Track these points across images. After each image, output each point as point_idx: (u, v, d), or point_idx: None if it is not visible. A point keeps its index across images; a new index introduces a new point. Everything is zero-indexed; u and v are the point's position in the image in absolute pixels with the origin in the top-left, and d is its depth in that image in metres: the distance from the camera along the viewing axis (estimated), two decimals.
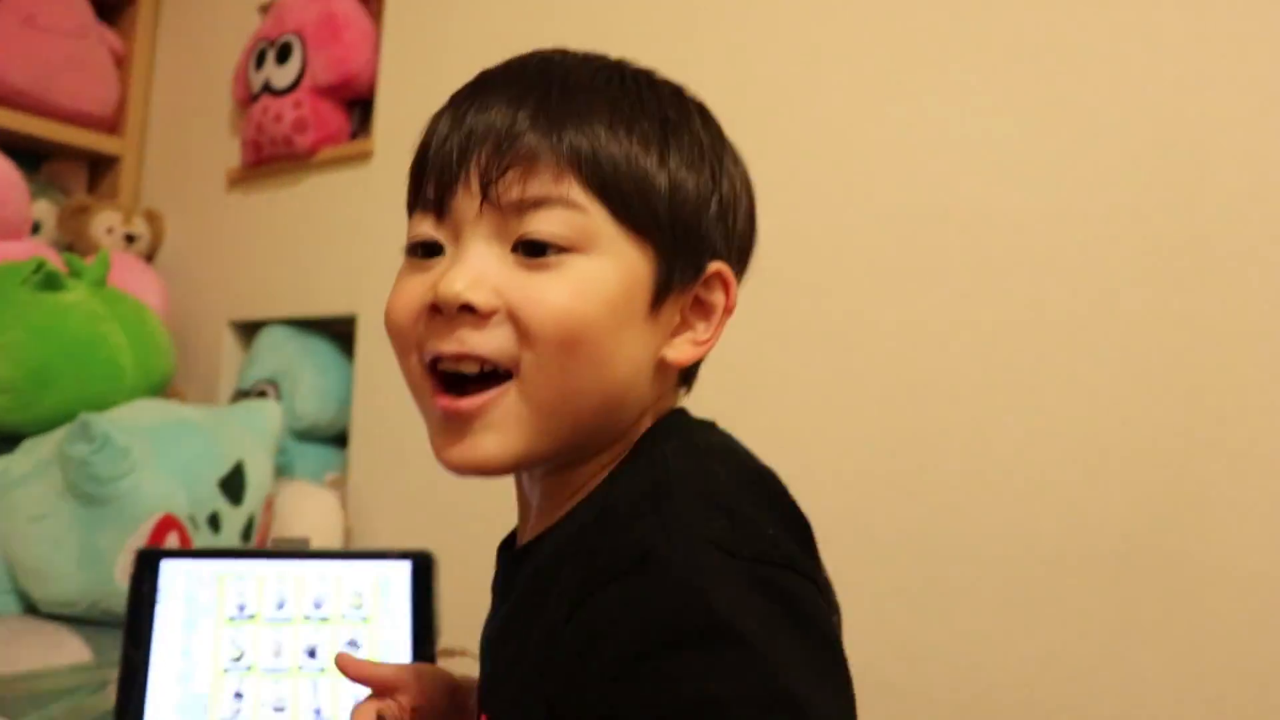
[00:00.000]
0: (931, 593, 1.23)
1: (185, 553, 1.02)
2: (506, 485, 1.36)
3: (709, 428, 0.64)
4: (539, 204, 0.57)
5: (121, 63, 2.47)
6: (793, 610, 0.49)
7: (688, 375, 0.67)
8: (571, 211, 0.57)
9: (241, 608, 0.99)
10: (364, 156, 1.94)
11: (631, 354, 0.59)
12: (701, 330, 0.63)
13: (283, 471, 1.85)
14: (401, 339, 0.62)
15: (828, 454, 1.30)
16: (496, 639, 0.65)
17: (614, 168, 0.58)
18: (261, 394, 1.97)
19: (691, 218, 0.61)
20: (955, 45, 1.28)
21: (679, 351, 0.62)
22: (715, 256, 0.63)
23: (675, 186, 0.60)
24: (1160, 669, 1.09)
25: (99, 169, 2.50)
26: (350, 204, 1.95)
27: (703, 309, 0.63)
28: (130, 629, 0.96)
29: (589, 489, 0.61)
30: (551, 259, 0.57)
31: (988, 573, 1.20)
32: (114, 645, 1.45)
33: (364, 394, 1.89)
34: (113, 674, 1.39)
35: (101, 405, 1.61)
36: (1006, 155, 1.24)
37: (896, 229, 1.31)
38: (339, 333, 2.04)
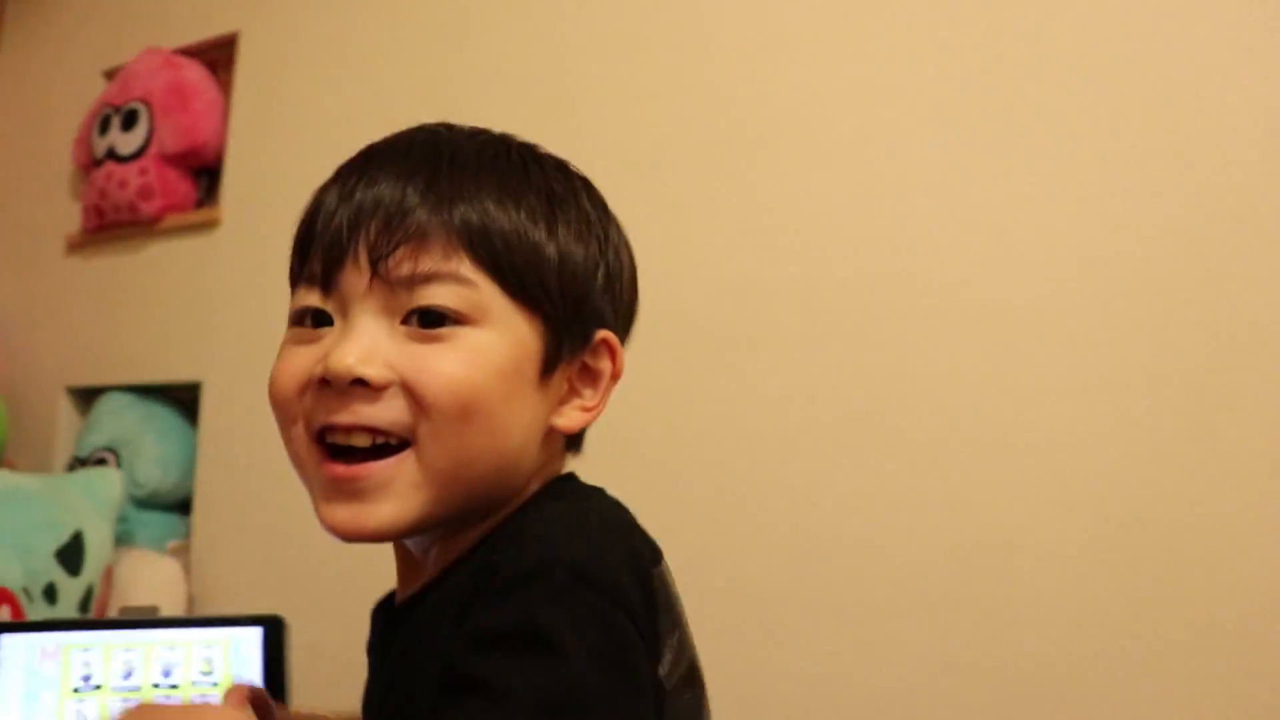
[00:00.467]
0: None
1: (26, 625, 1.02)
2: (353, 551, 1.42)
3: (598, 493, 0.64)
4: (429, 279, 0.57)
5: None
6: (623, 652, 0.50)
7: (575, 440, 0.67)
8: (462, 286, 0.58)
9: (87, 679, 1.00)
10: (210, 224, 1.95)
11: (523, 421, 0.60)
12: (589, 397, 0.64)
13: (123, 540, 1.82)
14: (287, 409, 0.60)
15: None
16: (379, 697, 0.65)
17: (504, 242, 0.59)
18: (100, 461, 1.94)
19: (580, 289, 0.62)
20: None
21: (567, 419, 0.63)
22: (603, 325, 0.64)
23: (564, 258, 0.61)
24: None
25: None
26: (196, 271, 1.96)
27: (590, 376, 0.64)
28: None
29: (471, 546, 0.62)
30: (444, 331, 0.57)
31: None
32: None
33: (208, 460, 1.88)
34: None
35: None
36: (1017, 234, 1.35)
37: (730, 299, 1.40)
38: (179, 399, 2.03)
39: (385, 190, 0.59)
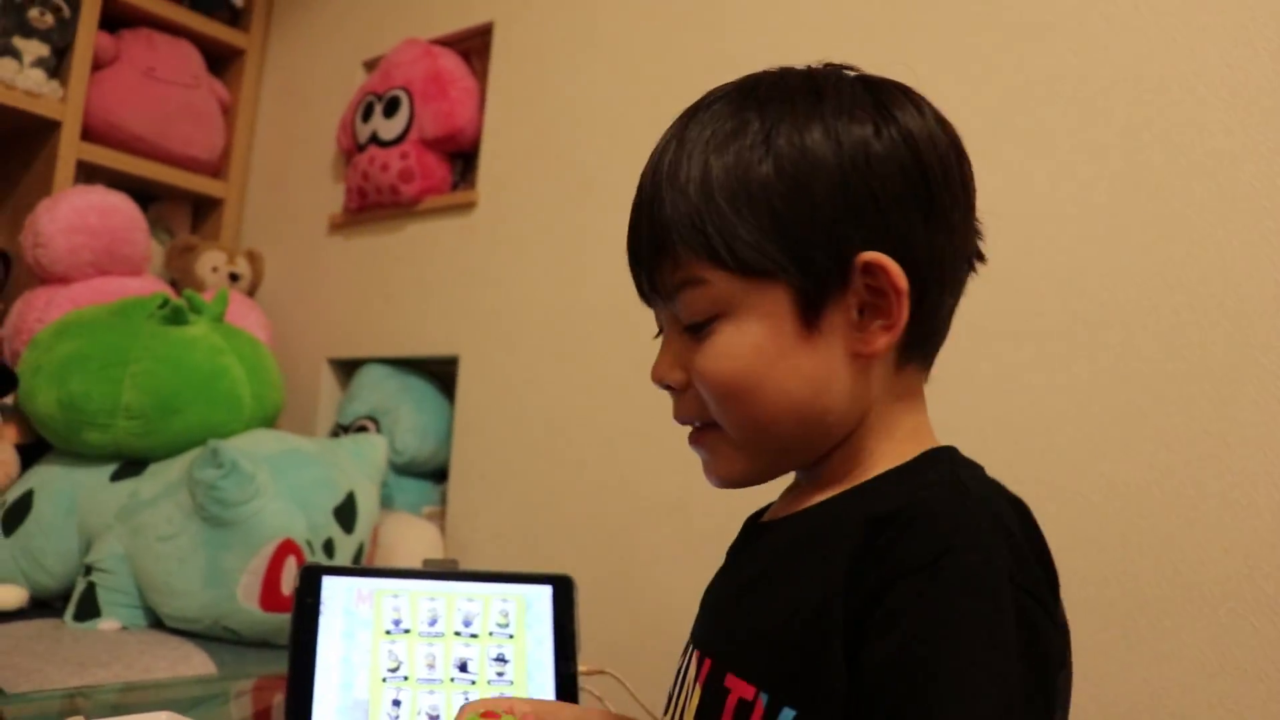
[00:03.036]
0: None
1: (345, 569, 1.10)
2: (596, 520, 1.48)
3: (977, 466, 0.66)
4: (679, 291, 0.65)
5: (228, 111, 2.61)
6: (1033, 644, 0.53)
7: (912, 353, 0.66)
8: (701, 288, 0.64)
9: (397, 622, 1.07)
10: (467, 206, 2.05)
11: (804, 373, 0.63)
12: (886, 316, 0.62)
13: (383, 504, 1.93)
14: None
15: None
16: (736, 594, 0.70)
17: (714, 227, 0.62)
18: (361, 429, 2.06)
19: (797, 232, 0.61)
20: (1026, 92, 1.37)
21: (870, 343, 0.63)
22: (853, 248, 0.62)
23: (772, 214, 0.61)
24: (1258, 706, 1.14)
25: (202, 210, 2.63)
26: (452, 250, 2.06)
27: (877, 295, 0.62)
28: (295, 636, 1.04)
29: (840, 484, 0.66)
30: (706, 331, 0.65)
31: (1083, 614, 1.26)
32: (236, 660, 1.54)
33: (463, 431, 1.98)
34: (236, 686, 1.48)
35: (222, 434, 1.71)
36: (1101, 219, 1.31)
37: (989, 288, 1.38)
38: (434, 372, 2.14)
39: (640, 195, 0.67)
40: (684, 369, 0.67)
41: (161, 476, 1.67)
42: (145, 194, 2.50)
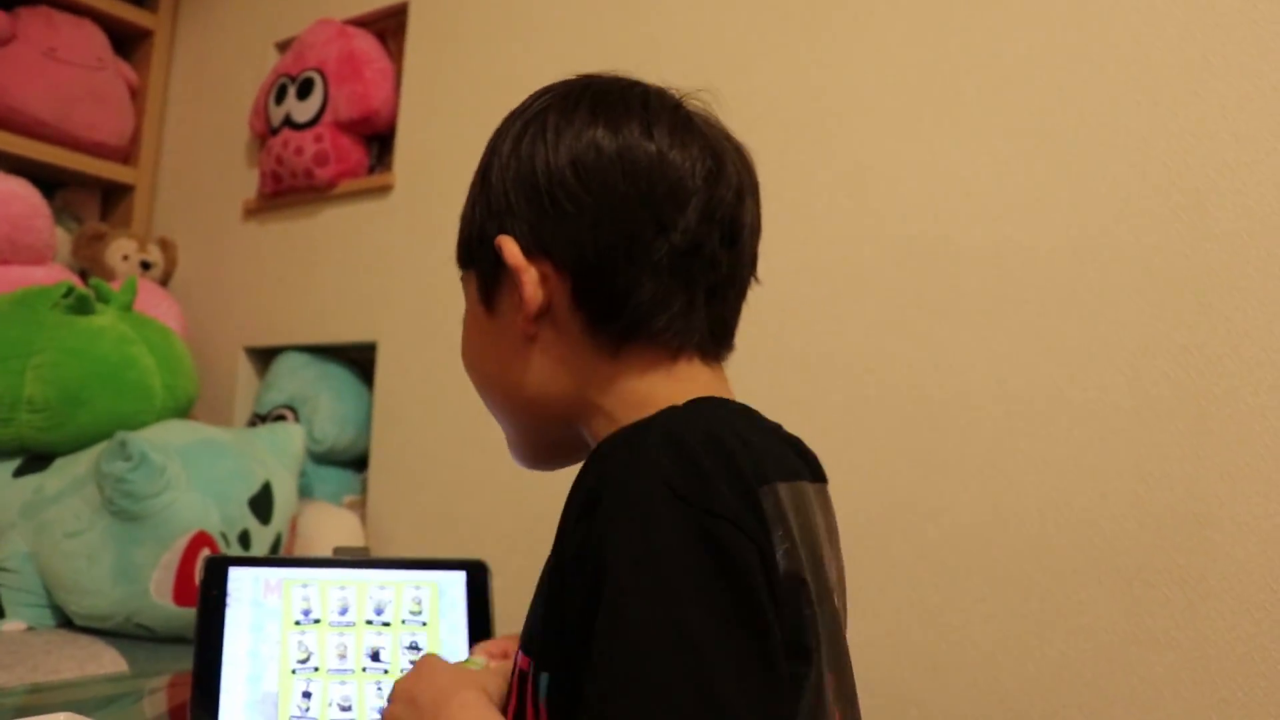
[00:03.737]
0: (950, 608, 1.31)
1: (252, 560, 1.07)
2: (512, 507, 1.46)
3: (720, 403, 0.66)
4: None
5: (137, 95, 2.53)
6: (723, 563, 0.52)
7: (610, 328, 0.67)
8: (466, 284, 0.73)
9: (306, 613, 1.05)
10: (384, 189, 2.01)
11: (494, 354, 0.72)
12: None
13: (302, 494, 1.90)
14: None
15: (845, 478, 1.38)
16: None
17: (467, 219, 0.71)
18: (280, 418, 2.02)
19: (470, 226, 0.70)
20: (971, 84, 1.38)
21: (524, 323, 0.67)
22: (493, 234, 0.67)
23: (466, 209, 0.71)
24: (1169, 675, 1.17)
25: (112, 197, 2.55)
26: (369, 235, 2.02)
27: (511, 274, 0.67)
28: (201, 630, 1.01)
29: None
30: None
31: (1001, 588, 1.27)
32: (149, 657, 1.50)
33: (383, 419, 1.95)
34: (149, 684, 1.44)
35: (132, 425, 1.66)
36: (1019, 192, 1.33)
37: (909, 262, 1.39)
38: (353, 359, 2.10)
39: None
40: None
41: (68, 471, 1.62)
42: (51, 180, 2.42)
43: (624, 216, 0.66)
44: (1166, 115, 1.24)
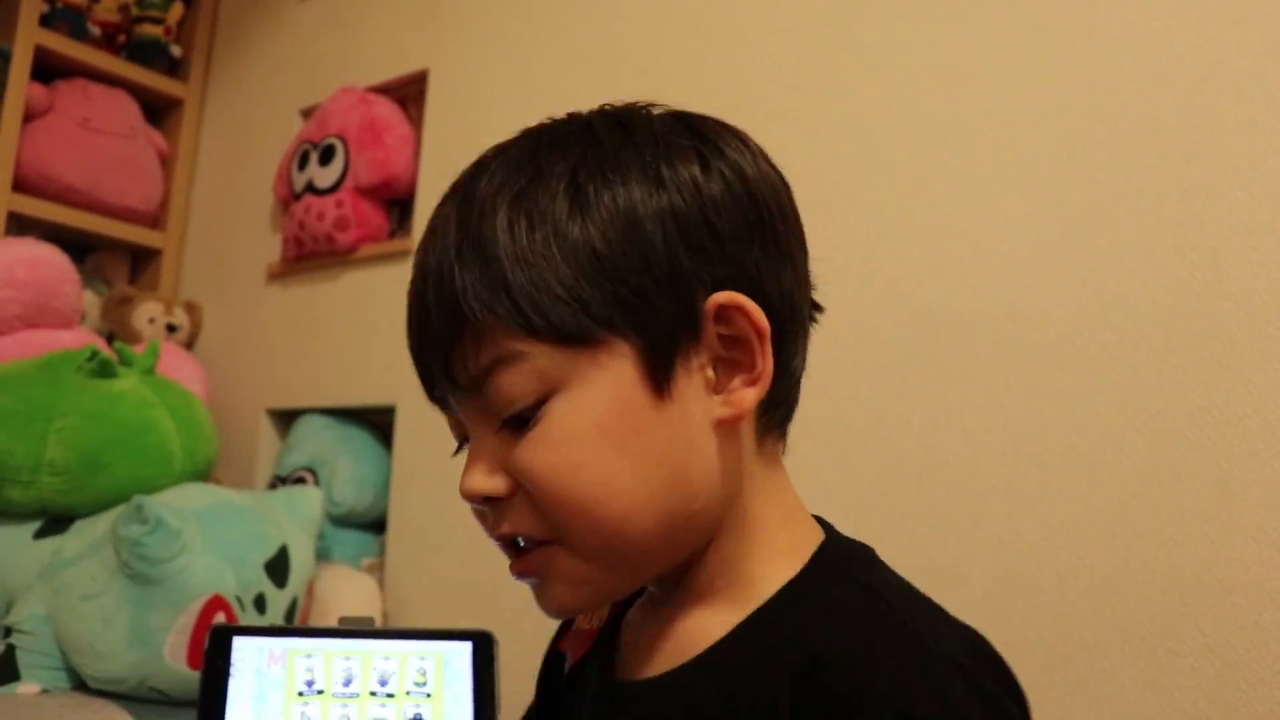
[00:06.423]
0: None
1: (256, 630, 1.06)
2: None
3: (876, 560, 0.57)
4: (487, 375, 0.52)
5: (166, 162, 2.59)
6: None
7: (771, 417, 0.58)
8: (517, 365, 0.52)
9: (310, 683, 1.04)
10: (404, 254, 2.03)
11: (663, 453, 0.53)
12: (747, 366, 0.54)
13: (320, 556, 1.89)
14: (479, 519, 0.61)
15: None
16: None
17: (522, 291, 0.51)
18: (300, 480, 2.03)
19: (635, 278, 0.51)
20: (983, 146, 1.37)
21: (733, 404, 0.53)
22: (705, 290, 0.53)
23: (599, 260, 0.51)
24: None
25: (140, 261, 2.60)
26: (389, 299, 2.04)
27: (735, 344, 0.54)
28: (204, 701, 1.00)
29: (716, 600, 0.56)
30: (533, 419, 0.52)
31: (1020, 657, 1.24)
32: None
33: (401, 482, 1.95)
34: None
35: (151, 489, 1.67)
36: (1032, 254, 1.32)
37: (922, 325, 1.38)
38: (374, 421, 2.11)
39: (422, 274, 0.56)
40: (506, 473, 0.54)
41: (86, 534, 1.63)
42: (82, 245, 2.46)
43: (787, 253, 0.57)
44: (1180, 174, 1.23)
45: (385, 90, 2.21)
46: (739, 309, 0.53)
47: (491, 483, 0.55)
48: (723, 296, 0.53)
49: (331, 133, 2.17)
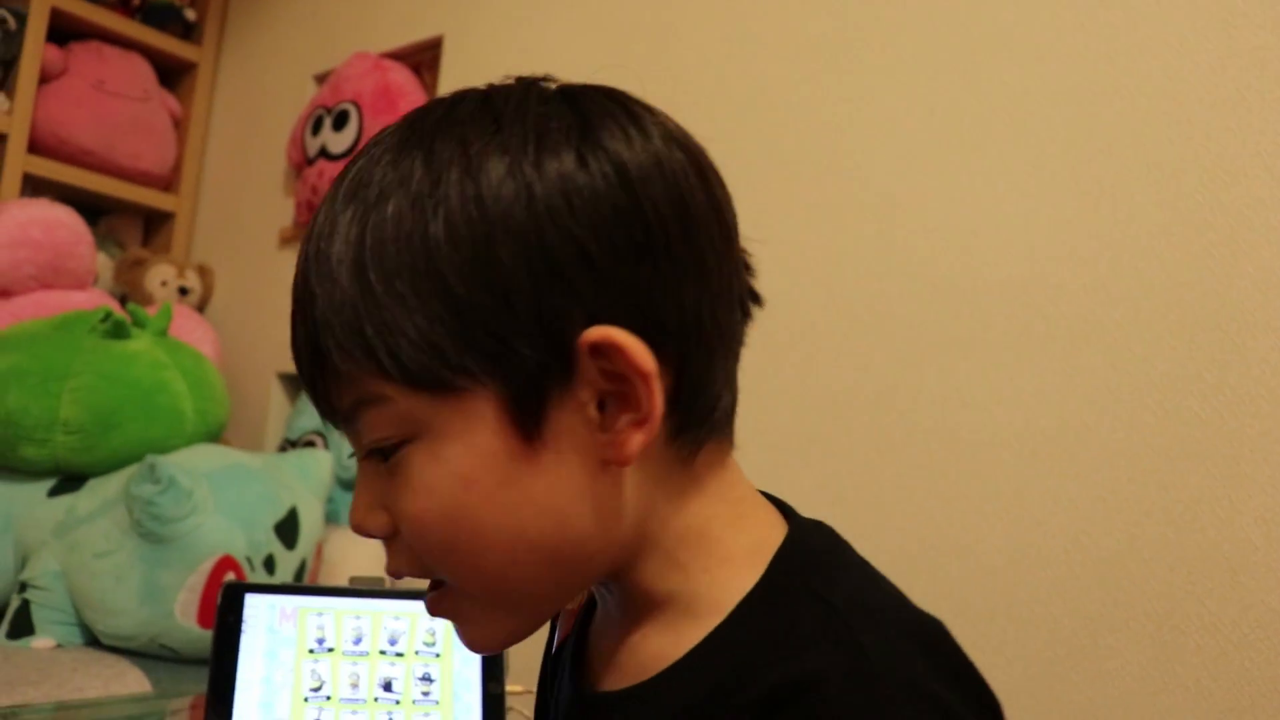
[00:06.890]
0: (971, 650, 1.28)
1: (269, 588, 1.07)
2: None
3: (837, 557, 0.53)
4: (354, 412, 0.48)
5: (179, 125, 2.59)
6: None
7: (694, 434, 0.50)
8: (378, 407, 0.47)
9: (321, 641, 1.05)
10: None
11: (539, 502, 0.47)
12: (634, 406, 0.46)
13: (330, 519, 1.91)
14: None
15: (867, 514, 1.36)
16: None
17: (373, 328, 0.45)
18: (309, 444, 2.04)
19: (494, 323, 0.45)
20: (1001, 119, 1.37)
21: (622, 447, 0.47)
22: (580, 325, 0.45)
23: (456, 300, 0.45)
24: None
25: (153, 224, 2.60)
26: None
27: (616, 380, 0.46)
28: (217, 656, 1.02)
29: (668, 617, 0.51)
30: (396, 459, 0.48)
31: (1025, 630, 1.25)
32: (172, 678, 1.52)
33: None
34: (171, 705, 1.45)
35: (163, 449, 1.68)
36: (1048, 229, 1.31)
37: (936, 298, 1.38)
38: None
39: (295, 286, 0.50)
40: (386, 510, 0.49)
41: (99, 492, 1.64)
42: (96, 207, 2.47)
43: (689, 263, 0.48)
44: (1200, 151, 1.22)
45: (400, 56, 2.20)
46: (616, 348, 0.45)
47: (372, 518, 0.50)
48: (595, 334, 0.45)
49: (346, 98, 2.16)
